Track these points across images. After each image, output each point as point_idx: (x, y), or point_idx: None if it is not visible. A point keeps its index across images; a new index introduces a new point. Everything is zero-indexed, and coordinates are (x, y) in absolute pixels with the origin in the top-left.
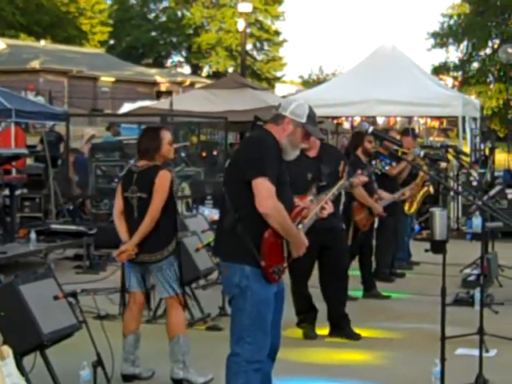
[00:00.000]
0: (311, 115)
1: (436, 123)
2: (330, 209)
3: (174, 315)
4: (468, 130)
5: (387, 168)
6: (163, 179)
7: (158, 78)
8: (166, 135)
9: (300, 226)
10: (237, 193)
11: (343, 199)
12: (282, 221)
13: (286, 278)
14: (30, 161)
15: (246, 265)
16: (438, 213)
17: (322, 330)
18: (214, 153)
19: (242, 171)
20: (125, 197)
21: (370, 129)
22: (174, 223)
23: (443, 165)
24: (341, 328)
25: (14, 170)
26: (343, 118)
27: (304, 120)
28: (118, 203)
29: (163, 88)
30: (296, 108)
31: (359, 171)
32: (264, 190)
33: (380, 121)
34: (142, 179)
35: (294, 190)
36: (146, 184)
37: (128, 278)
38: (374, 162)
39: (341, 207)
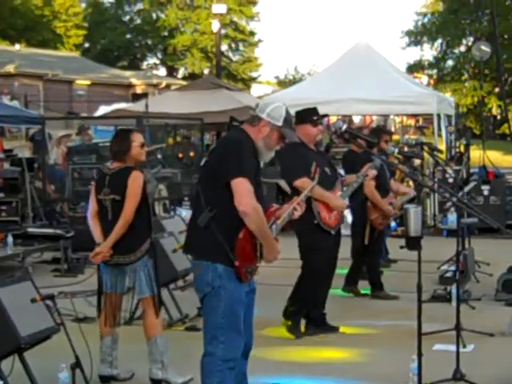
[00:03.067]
0: (288, 118)
1: (412, 121)
2: (301, 210)
3: (150, 316)
4: (443, 128)
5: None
6: (136, 181)
7: (134, 81)
8: (137, 137)
9: (274, 227)
10: (212, 191)
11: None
12: (260, 223)
13: (259, 277)
14: (6, 165)
15: (218, 263)
16: (412, 210)
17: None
18: (191, 154)
19: (219, 171)
20: (99, 199)
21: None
22: (147, 224)
23: (417, 161)
24: (317, 325)
25: None
26: None
27: (280, 123)
28: (93, 205)
29: (139, 90)
30: (273, 110)
31: (368, 164)
32: (244, 189)
33: (356, 119)
34: (114, 181)
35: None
36: (118, 186)
37: (104, 279)
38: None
39: None
